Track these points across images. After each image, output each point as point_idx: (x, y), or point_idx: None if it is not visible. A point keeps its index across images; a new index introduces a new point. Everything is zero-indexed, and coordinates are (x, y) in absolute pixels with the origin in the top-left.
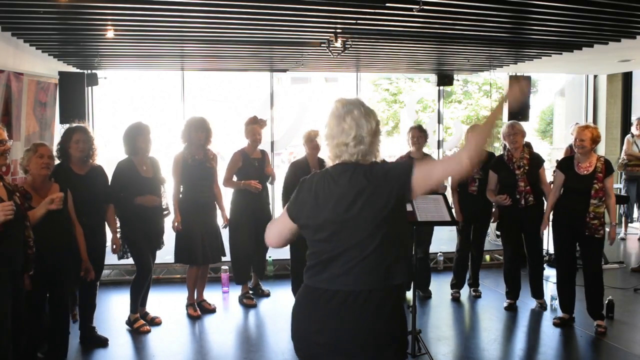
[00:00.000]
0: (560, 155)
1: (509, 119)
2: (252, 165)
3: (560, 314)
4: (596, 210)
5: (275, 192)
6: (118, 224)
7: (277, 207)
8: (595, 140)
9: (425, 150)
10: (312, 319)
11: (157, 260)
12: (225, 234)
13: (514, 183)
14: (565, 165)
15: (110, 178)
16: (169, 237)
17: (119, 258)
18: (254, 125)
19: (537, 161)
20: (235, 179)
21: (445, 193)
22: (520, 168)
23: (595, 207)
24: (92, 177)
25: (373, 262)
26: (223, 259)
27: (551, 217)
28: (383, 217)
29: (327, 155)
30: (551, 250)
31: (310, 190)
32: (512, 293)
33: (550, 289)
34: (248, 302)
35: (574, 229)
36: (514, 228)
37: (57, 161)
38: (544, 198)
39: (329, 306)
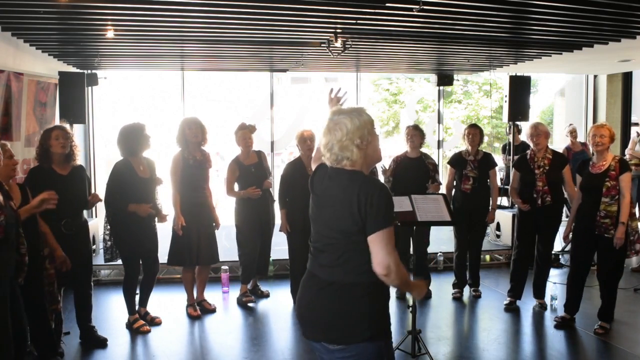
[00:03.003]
0: None
1: (509, 120)
2: (248, 172)
3: (560, 313)
4: (608, 209)
5: (275, 193)
6: (108, 226)
7: (276, 209)
8: (612, 137)
9: (425, 150)
10: (306, 297)
11: (159, 261)
12: (226, 235)
13: (533, 182)
14: (582, 166)
15: (107, 179)
16: (166, 239)
17: (106, 261)
18: (244, 131)
19: (560, 162)
20: (236, 187)
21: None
22: (540, 168)
23: (607, 205)
24: (75, 178)
25: (348, 258)
26: (223, 259)
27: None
28: (353, 230)
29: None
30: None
31: (314, 184)
32: (515, 291)
33: (550, 289)
34: (247, 300)
35: (590, 230)
36: (528, 227)
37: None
38: (567, 199)
39: (315, 288)
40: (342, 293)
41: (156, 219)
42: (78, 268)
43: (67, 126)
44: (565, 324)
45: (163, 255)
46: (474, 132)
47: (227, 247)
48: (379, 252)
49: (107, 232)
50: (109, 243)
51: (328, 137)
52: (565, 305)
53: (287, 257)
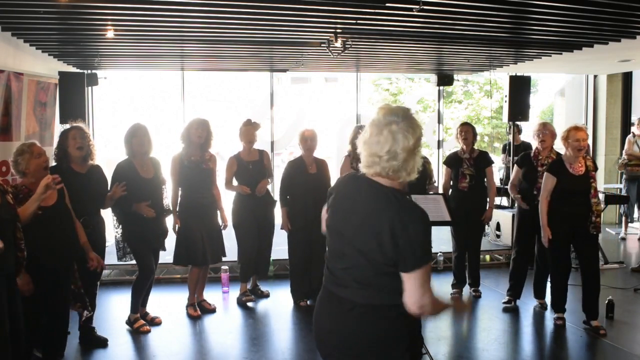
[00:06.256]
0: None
1: (509, 120)
2: (246, 169)
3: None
4: (597, 209)
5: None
6: (118, 224)
7: (277, 209)
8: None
9: (425, 150)
10: (326, 319)
11: (158, 261)
12: (226, 235)
13: (534, 179)
14: (557, 168)
15: (109, 179)
16: (170, 239)
17: (119, 259)
18: (247, 127)
19: None
20: (235, 182)
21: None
22: (544, 166)
23: (597, 205)
24: (93, 176)
25: (381, 283)
26: (223, 259)
27: None
28: (385, 257)
29: (362, 160)
30: None
31: (340, 188)
32: (514, 290)
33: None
34: (247, 299)
35: (572, 231)
36: (527, 226)
37: (53, 163)
38: None
39: (336, 309)
40: (375, 316)
41: (165, 215)
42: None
43: (84, 125)
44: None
45: (165, 254)
46: (466, 129)
47: (228, 247)
48: (415, 292)
49: (119, 232)
50: (120, 243)
51: (383, 145)
52: (554, 305)
53: (287, 257)
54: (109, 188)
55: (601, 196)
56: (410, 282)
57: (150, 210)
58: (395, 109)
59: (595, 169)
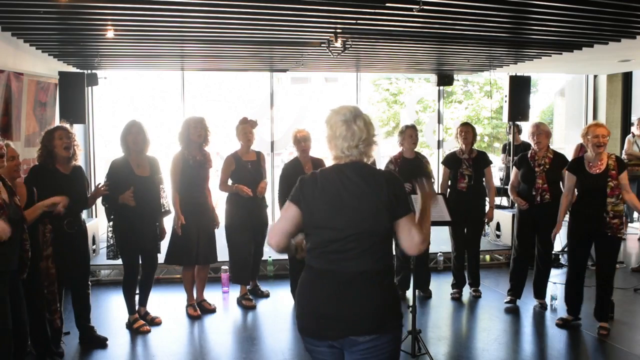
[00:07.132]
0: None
1: (509, 120)
2: (244, 168)
3: (560, 314)
4: (615, 209)
5: (273, 194)
6: (111, 224)
7: (276, 209)
8: (608, 136)
9: (425, 150)
10: (320, 293)
11: (157, 261)
12: (221, 235)
13: (533, 179)
14: (576, 166)
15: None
16: (167, 238)
17: (108, 258)
18: (245, 125)
19: (560, 161)
20: (230, 182)
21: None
22: (541, 166)
23: (614, 205)
24: (76, 177)
25: (377, 248)
26: (222, 259)
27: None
28: (385, 218)
29: (331, 154)
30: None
31: (317, 183)
32: (515, 291)
33: (550, 289)
34: (247, 304)
35: (590, 231)
36: (527, 226)
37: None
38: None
39: (336, 283)
40: (375, 281)
41: (164, 215)
42: (76, 268)
43: (68, 126)
44: (566, 324)
45: (164, 255)
46: (467, 129)
47: (226, 248)
48: (416, 231)
49: (110, 230)
50: (112, 241)
51: (358, 135)
52: (568, 306)
53: (287, 257)
54: (102, 184)
55: None
56: (410, 224)
57: (131, 198)
58: (353, 107)
59: (619, 168)
